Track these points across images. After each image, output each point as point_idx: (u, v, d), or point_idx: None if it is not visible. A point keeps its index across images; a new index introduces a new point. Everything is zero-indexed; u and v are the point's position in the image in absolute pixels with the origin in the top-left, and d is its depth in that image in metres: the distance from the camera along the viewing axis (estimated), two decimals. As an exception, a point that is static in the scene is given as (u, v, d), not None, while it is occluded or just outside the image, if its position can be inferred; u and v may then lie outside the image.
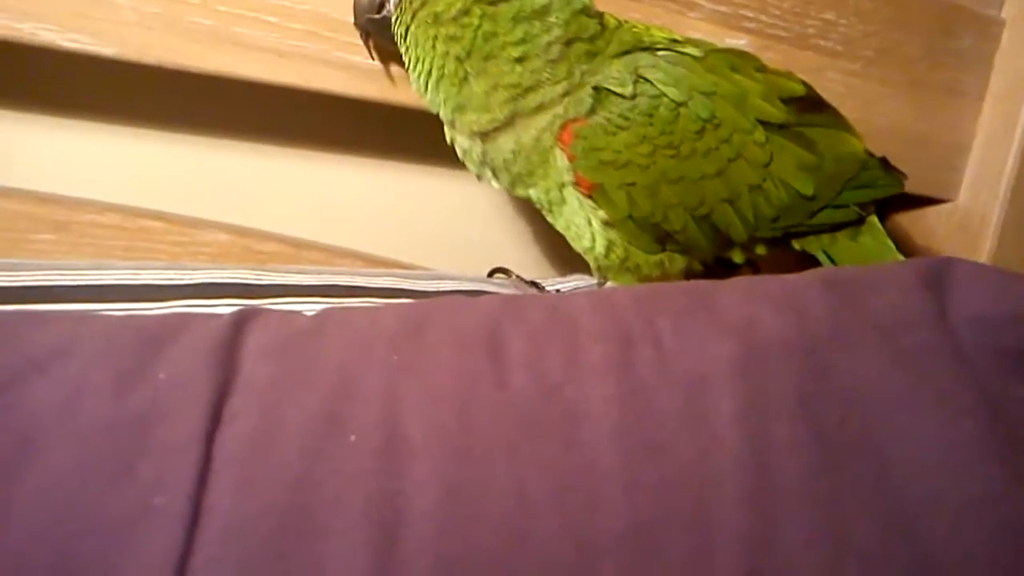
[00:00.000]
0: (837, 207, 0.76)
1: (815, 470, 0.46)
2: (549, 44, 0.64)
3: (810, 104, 0.75)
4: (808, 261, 0.80)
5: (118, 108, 0.78)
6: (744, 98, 0.69)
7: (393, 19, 0.67)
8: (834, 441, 0.47)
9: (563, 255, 0.95)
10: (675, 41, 0.70)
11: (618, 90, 0.65)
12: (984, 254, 1.08)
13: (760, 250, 0.76)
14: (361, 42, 0.72)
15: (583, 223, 0.70)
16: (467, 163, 0.71)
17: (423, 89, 0.68)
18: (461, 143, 0.70)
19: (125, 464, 0.42)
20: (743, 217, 0.70)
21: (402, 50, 0.68)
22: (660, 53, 0.68)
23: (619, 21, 0.70)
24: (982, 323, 0.52)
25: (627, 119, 0.65)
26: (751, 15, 0.90)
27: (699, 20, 0.87)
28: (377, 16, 0.68)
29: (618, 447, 0.45)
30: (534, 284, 0.77)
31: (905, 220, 1.16)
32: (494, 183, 0.71)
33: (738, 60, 0.72)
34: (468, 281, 0.73)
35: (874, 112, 1.01)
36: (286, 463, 0.44)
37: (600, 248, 0.71)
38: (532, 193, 0.70)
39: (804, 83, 0.75)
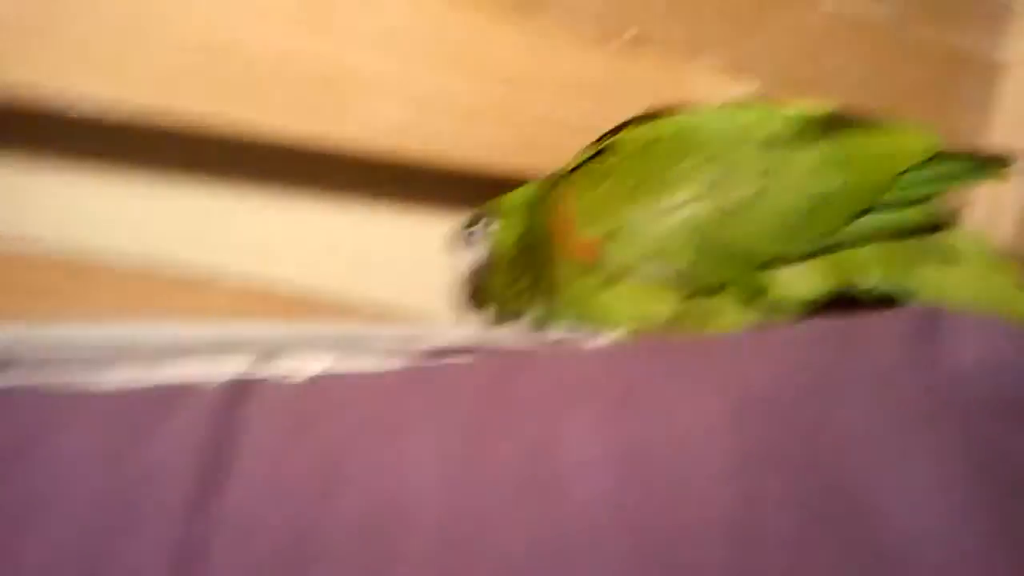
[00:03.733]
0: (893, 208, 0.67)
1: (804, 524, 0.46)
2: None
3: (837, 121, 0.68)
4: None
5: (129, 155, 0.78)
6: (727, 119, 0.68)
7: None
8: (824, 495, 0.47)
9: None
10: None
11: (582, 159, 0.69)
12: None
13: (811, 284, 0.67)
14: (371, 99, 0.74)
15: (597, 302, 0.70)
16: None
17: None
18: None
19: (109, 540, 0.42)
20: (756, 228, 0.65)
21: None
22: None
23: None
24: (974, 372, 0.52)
25: (601, 175, 0.67)
26: (761, 60, 0.91)
27: (706, 68, 0.88)
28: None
29: (611, 508, 0.46)
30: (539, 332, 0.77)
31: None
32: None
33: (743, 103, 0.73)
34: (474, 335, 0.73)
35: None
36: (281, 533, 0.44)
37: (611, 316, 0.70)
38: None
39: (833, 106, 0.70)
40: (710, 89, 0.89)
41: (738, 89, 0.90)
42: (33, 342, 0.59)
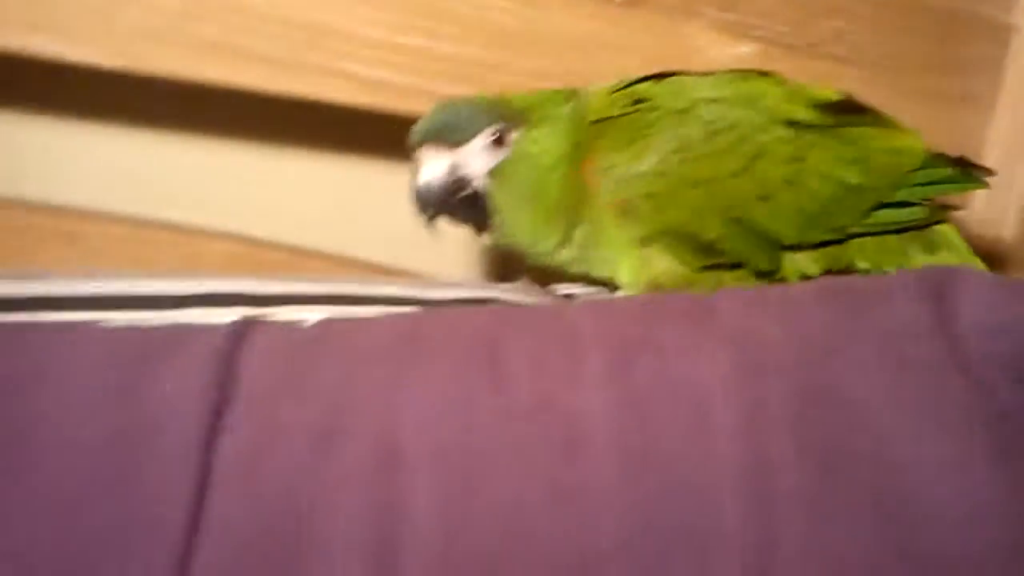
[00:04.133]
0: (899, 206, 0.72)
1: (815, 483, 0.46)
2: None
3: (848, 107, 0.73)
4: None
5: (123, 113, 0.79)
6: (757, 100, 0.69)
7: (489, 188, 0.67)
8: (835, 454, 0.47)
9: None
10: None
11: (615, 113, 0.67)
12: (1001, 259, 1.07)
13: (814, 267, 0.72)
14: (361, 54, 0.74)
15: (620, 254, 0.70)
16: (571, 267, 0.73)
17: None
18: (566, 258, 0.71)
19: (125, 473, 0.43)
20: (785, 214, 0.69)
21: (497, 219, 0.68)
22: (662, 81, 0.69)
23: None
24: (988, 331, 0.51)
25: (631, 132, 0.66)
26: (759, 23, 0.90)
27: (703, 29, 0.87)
28: (467, 194, 0.67)
29: (616, 456, 0.45)
30: (544, 288, 0.77)
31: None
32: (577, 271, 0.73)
33: (751, 73, 0.72)
34: (473, 288, 0.73)
35: (885, 119, 1.00)
36: (284, 474, 0.44)
37: (632, 275, 0.71)
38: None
39: (843, 92, 0.74)
40: (709, 50, 0.88)
41: (737, 50, 0.89)
42: (33, 289, 0.60)
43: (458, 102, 0.68)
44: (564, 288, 0.80)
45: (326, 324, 0.54)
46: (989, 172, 0.76)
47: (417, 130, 0.67)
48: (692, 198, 0.67)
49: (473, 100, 0.69)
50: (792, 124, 0.68)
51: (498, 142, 0.67)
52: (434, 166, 0.66)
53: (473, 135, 0.66)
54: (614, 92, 0.69)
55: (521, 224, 0.68)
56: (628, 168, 0.66)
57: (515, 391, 0.47)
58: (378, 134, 0.78)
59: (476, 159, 0.67)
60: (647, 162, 0.66)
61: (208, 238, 0.75)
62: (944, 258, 0.74)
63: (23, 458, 0.43)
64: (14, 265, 0.70)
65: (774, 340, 0.50)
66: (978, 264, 0.75)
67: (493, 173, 0.67)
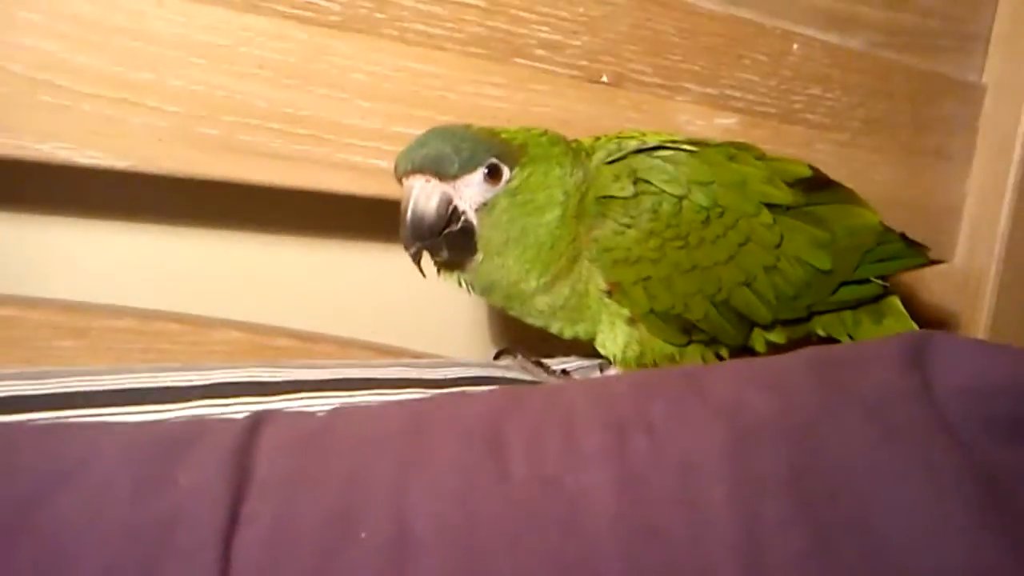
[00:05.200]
0: (858, 283, 0.77)
1: (806, 548, 0.47)
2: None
3: (817, 183, 0.78)
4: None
5: (124, 208, 0.80)
6: (744, 184, 0.71)
7: (479, 223, 0.66)
8: (825, 519, 0.48)
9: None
10: (671, 141, 0.73)
11: (620, 194, 0.68)
12: (984, 311, 1.10)
13: (780, 337, 0.77)
14: (360, 145, 0.76)
15: (606, 327, 0.73)
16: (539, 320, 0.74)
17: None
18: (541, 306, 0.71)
19: (148, 568, 0.44)
20: (763, 298, 0.72)
21: (479, 256, 0.68)
22: (655, 153, 0.71)
23: (596, 137, 0.75)
24: (967, 394, 0.53)
25: (632, 217, 0.68)
26: (738, 95, 0.93)
27: (687, 103, 0.91)
28: (455, 229, 0.66)
29: (616, 533, 0.46)
30: (539, 363, 0.79)
31: (907, 280, 1.18)
32: (554, 327, 0.74)
33: (735, 151, 0.75)
34: (475, 367, 0.75)
35: (865, 179, 1.04)
36: (301, 563, 0.45)
37: (619, 349, 0.73)
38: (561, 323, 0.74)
39: (810, 166, 0.78)
40: (693, 123, 0.92)
41: (720, 122, 0.93)
42: (49, 387, 0.61)
43: (452, 131, 0.67)
44: (559, 363, 0.82)
45: (336, 414, 0.55)
46: (926, 248, 0.83)
47: (410, 157, 0.65)
48: (682, 284, 0.70)
49: (467, 130, 0.67)
50: (771, 207, 0.72)
51: (492, 177, 0.66)
52: (428, 197, 0.65)
53: (470, 169, 0.65)
54: (611, 161, 0.71)
55: (506, 261, 0.67)
56: (625, 253, 0.68)
57: (516, 474, 0.48)
58: (377, 219, 0.80)
59: (470, 193, 0.66)
60: (643, 249, 0.68)
61: (216, 327, 0.76)
62: (890, 325, 0.80)
63: (51, 562, 0.44)
64: (27, 362, 0.71)
65: (764, 413, 0.51)
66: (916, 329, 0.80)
67: (484, 208, 0.66)
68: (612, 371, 0.76)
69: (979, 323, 1.10)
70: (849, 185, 1.03)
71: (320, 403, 0.65)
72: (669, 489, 0.48)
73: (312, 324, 0.83)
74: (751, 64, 0.94)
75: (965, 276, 1.12)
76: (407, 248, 0.66)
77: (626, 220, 0.68)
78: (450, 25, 0.78)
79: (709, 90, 0.92)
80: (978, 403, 0.53)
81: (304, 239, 0.87)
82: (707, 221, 0.69)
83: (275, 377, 0.67)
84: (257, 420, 0.52)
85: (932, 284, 1.16)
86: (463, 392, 0.59)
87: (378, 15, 0.75)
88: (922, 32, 1.07)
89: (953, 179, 1.12)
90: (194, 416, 0.60)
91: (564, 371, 0.80)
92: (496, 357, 0.80)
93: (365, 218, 0.85)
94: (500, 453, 0.50)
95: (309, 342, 0.80)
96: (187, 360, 0.74)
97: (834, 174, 1.01)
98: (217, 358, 0.75)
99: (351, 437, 0.51)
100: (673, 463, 0.49)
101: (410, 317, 0.90)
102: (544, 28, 0.82)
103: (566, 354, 0.85)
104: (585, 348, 0.78)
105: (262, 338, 0.78)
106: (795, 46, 0.96)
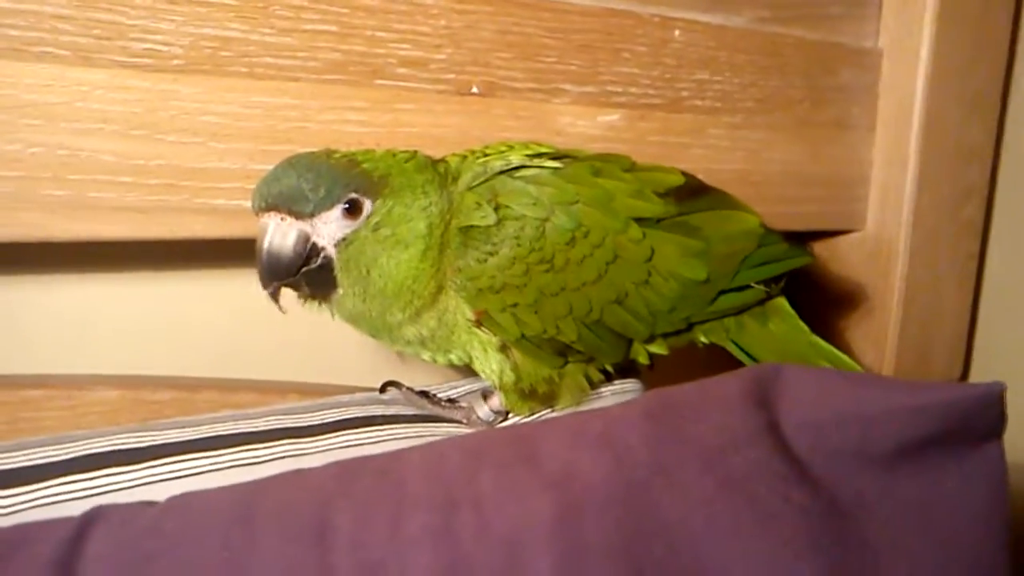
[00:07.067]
0: (738, 290, 0.76)
1: None
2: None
3: (690, 191, 0.76)
4: (719, 353, 0.81)
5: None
6: (611, 200, 0.70)
7: (338, 258, 0.64)
8: None
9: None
10: (534, 156, 0.71)
11: (481, 223, 0.66)
12: (896, 278, 1.09)
13: (662, 348, 0.76)
14: (220, 188, 0.74)
15: (480, 355, 0.72)
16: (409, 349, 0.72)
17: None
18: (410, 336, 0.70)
19: None
20: (637, 314, 0.71)
21: (340, 291, 0.66)
22: (517, 174, 0.69)
23: (464, 154, 0.73)
24: (813, 427, 0.53)
25: (495, 244, 0.66)
26: (620, 90, 0.91)
27: (566, 104, 0.89)
28: (314, 266, 0.64)
29: None
30: (424, 394, 0.78)
31: (820, 249, 1.17)
32: (425, 356, 0.73)
33: (602, 164, 0.73)
34: (355, 407, 0.73)
35: (764, 159, 1.02)
36: None
37: (495, 376, 0.72)
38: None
39: (683, 172, 0.77)
40: (575, 124, 0.90)
41: (602, 119, 0.91)
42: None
43: (308, 163, 0.64)
44: (447, 390, 0.81)
45: (168, 508, 0.54)
46: (808, 248, 0.84)
47: (262, 194, 0.63)
48: (552, 308, 0.68)
49: (326, 161, 0.64)
50: (640, 221, 0.70)
51: (351, 212, 0.64)
52: (283, 235, 0.63)
53: (327, 207, 0.63)
54: (474, 187, 0.69)
55: (369, 296, 0.66)
56: (489, 281, 0.66)
57: (340, 566, 0.48)
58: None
59: (328, 230, 0.64)
60: (508, 276, 0.66)
61: (89, 388, 0.75)
62: (776, 326, 0.80)
63: None
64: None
65: (594, 477, 0.51)
66: (802, 332, 0.80)
67: (343, 243, 0.64)
68: (495, 399, 0.75)
69: (892, 290, 1.09)
70: (747, 167, 1.02)
71: (188, 465, 0.64)
72: (493, 567, 0.47)
73: (196, 369, 0.82)
74: (631, 57, 0.91)
75: (876, 244, 1.11)
76: (264, 287, 0.65)
77: (488, 248, 0.66)
78: (302, 54, 0.75)
79: (588, 88, 0.90)
80: (825, 435, 0.53)
81: (180, 273, 0.85)
82: (572, 242, 0.68)
83: (141, 443, 0.65)
84: (88, 520, 0.51)
85: (847, 255, 1.15)
86: (298, 472, 0.58)
87: (223, 53, 0.72)
88: (810, 2, 1.05)
89: (858, 148, 1.10)
90: (43, 500, 0.59)
91: (450, 400, 0.79)
92: (382, 390, 0.79)
93: (236, 256, 0.83)
94: (325, 542, 0.49)
95: (193, 391, 0.79)
96: (58, 428, 0.72)
97: (731, 157, 1.01)
98: (92, 421, 0.74)
99: (179, 535, 0.51)
100: (498, 539, 0.48)
101: (302, 349, 0.89)
102: (404, 46, 0.80)
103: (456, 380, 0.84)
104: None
105: (142, 393, 0.76)
106: (676, 32, 0.94)
